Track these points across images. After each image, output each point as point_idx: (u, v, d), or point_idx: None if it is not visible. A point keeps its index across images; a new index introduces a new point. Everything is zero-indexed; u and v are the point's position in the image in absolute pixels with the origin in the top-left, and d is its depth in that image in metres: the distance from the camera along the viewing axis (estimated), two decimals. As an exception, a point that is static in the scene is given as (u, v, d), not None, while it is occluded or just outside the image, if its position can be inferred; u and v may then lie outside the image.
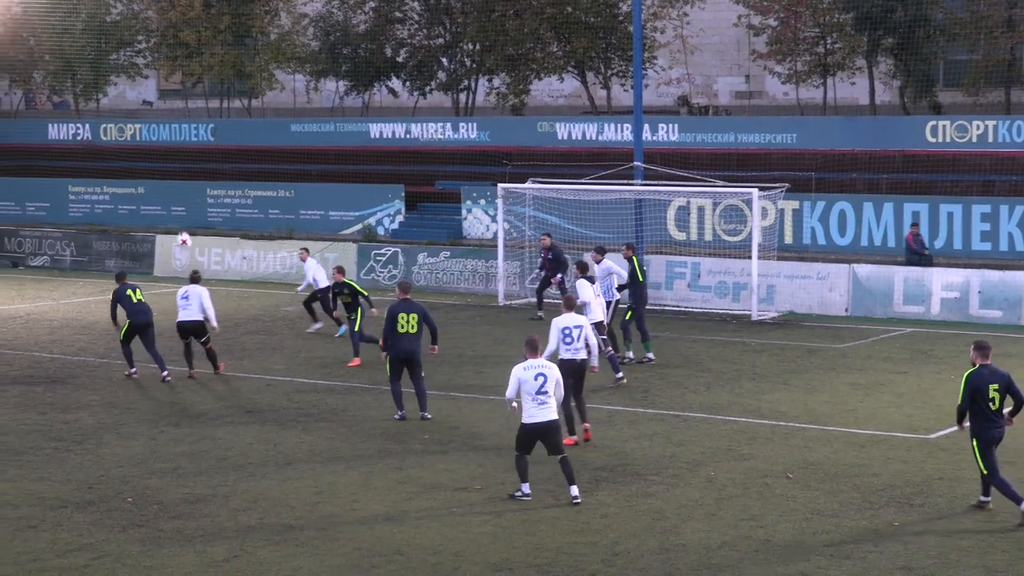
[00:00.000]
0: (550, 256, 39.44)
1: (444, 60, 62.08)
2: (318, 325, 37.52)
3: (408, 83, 62.65)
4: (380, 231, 53.69)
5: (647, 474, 22.85)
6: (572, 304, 25.33)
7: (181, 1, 64.13)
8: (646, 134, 45.85)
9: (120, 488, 22.12)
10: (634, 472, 22.97)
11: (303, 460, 23.92)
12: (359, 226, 54.12)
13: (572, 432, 24.45)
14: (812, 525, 19.92)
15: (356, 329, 32.65)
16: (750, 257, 39.26)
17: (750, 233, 40.20)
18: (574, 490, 20.94)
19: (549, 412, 21.00)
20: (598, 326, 27.82)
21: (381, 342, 27.04)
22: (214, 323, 31.44)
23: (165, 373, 30.77)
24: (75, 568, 18.18)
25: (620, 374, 29.68)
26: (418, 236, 51.16)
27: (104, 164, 63.81)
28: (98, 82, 69.06)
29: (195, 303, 30.87)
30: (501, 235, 43.72)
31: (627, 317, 32.67)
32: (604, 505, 21.00)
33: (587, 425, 24.83)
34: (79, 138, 66.36)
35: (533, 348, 21.43)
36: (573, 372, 24.04)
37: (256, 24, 64.50)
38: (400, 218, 53.93)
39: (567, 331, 24.24)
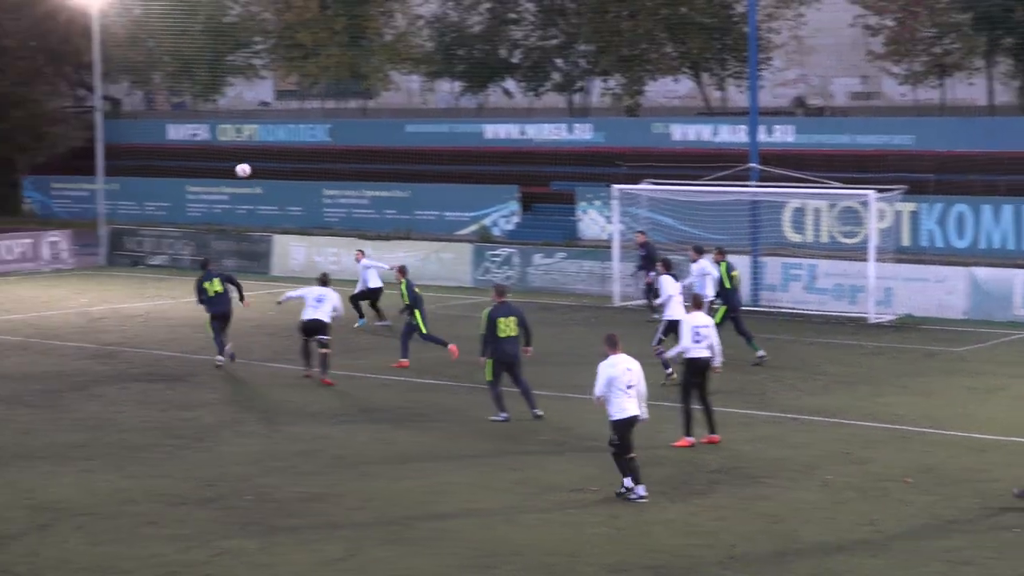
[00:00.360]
0: (643, 253, 39.35)
1: (559, 61, 62.07)
2: (385, 322, 37.76)
3: (523, 84, 62.73)
4: (495, 232, 53.75)
5: (762, 476, 22.70)
6: (700, 303, 25.77)
7: (297, 3, 64.64)
8: (761, 135, 45.57)
9: (238, 486, 22.27)
10: (749, 475, 22.83)
11: (418, 459, 23.97)
12: (474, 227, 54.23)
13: (689, 433, 24.51)
14: (931, 531, 19.70)
15: (424, 332, 32.38)
16: (867, 259, 38.86)
17: (867, 235, 39.80)
18: (641, 490, 21.05)
19: (636, 406, 21.54)
20: (672, 324, 28.45)
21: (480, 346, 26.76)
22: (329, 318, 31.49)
23: (220, 359, 31.48)
24: (195, 564, 18.33)
25: (669, 369, 29.62)
26: (533, 237, 51.15)
27: (222, 164, 64.14)
28: (216, 83, 69.71)
29: (328, 305, 30.98)
30: (617, 236, 43.57)
31: (717, 321, 32.53)
32: (719, 507, 20.88)
33: (717, 438, 24.79)
34: (197, 138, 67.05)
35: (613, 344, 22.07)
36: (700, 370, 24.58)
37: (372, 25, 64.80)
38: (515, 219, 54.02)
39: (697, 330, 24.61)
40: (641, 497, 20.97)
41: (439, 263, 46.85)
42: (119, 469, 23.37)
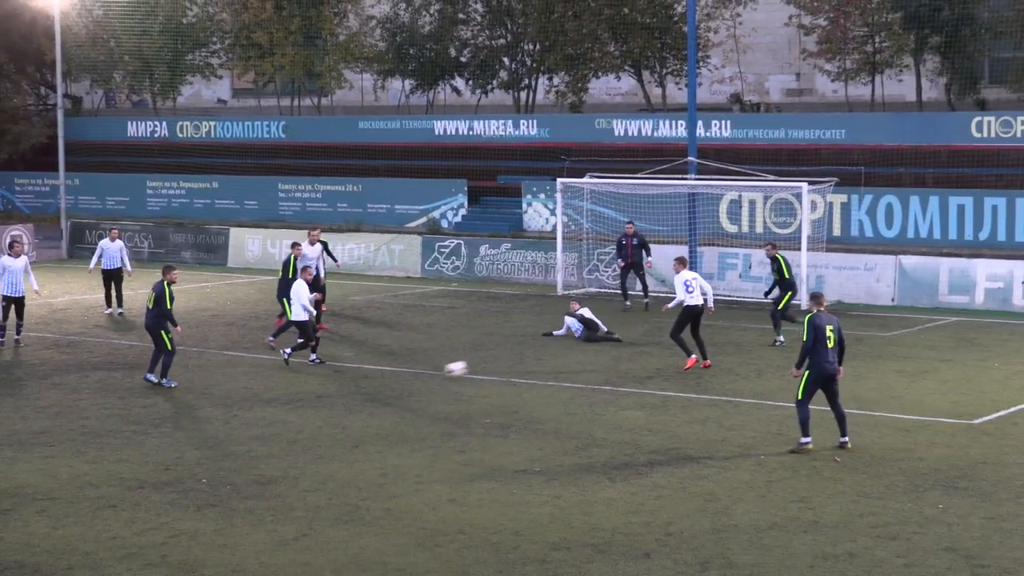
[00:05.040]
0: (635, 242, 39.41)
1: (506, 60, 62.16)
2: None
3: (471, 82, 62.82)
4: (444, 224, 53.84)
5: (700, 457, 22.84)
6: (685, 262, 31.10)
7: (253, 4, 64.47)
8: (700, 130, 45.77)
9: (195, 470, 22.26)
10: (687, 455, 22.96)
11: (370, 443, 24.02)
12: (424, 219, 54.28)
13: (690, 354, 29.89)
14: (859, 507, 19.84)
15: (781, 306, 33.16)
16: (800, 249, 39.10)
17: (800, 226, 40.07)
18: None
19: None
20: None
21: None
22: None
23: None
24: (152, 546, 18.29)
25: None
26: (480, 229, 51.30)
27: (180, 160, 64.24)
28: (175, 82, 69.45)
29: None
30: (560, 228, 43.76)
31: (779, 307, 32.89)
32: (658, 487, 20.98)
33: (708, 363, 30.24)
34: (156, 135, 66.77)
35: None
36: (694, 315, 30.04)
37: (326, 26, 64.70)
38: (463, 211, 54.03)
39: (688, 282, 30.01)
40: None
41: (389, 255, 46.93)
42: (79, 455, 23.34)
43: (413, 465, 22.43)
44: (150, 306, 29.13)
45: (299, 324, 31.12)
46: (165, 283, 29.01)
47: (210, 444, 24.12)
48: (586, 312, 34.80)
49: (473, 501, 20.37)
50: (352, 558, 17.84)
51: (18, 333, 34.23)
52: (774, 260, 34.07)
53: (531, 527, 19.02)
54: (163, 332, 28.77)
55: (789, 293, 33.70)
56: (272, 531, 18.96)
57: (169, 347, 28.87)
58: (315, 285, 34.61)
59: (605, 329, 34.37)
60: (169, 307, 28.97)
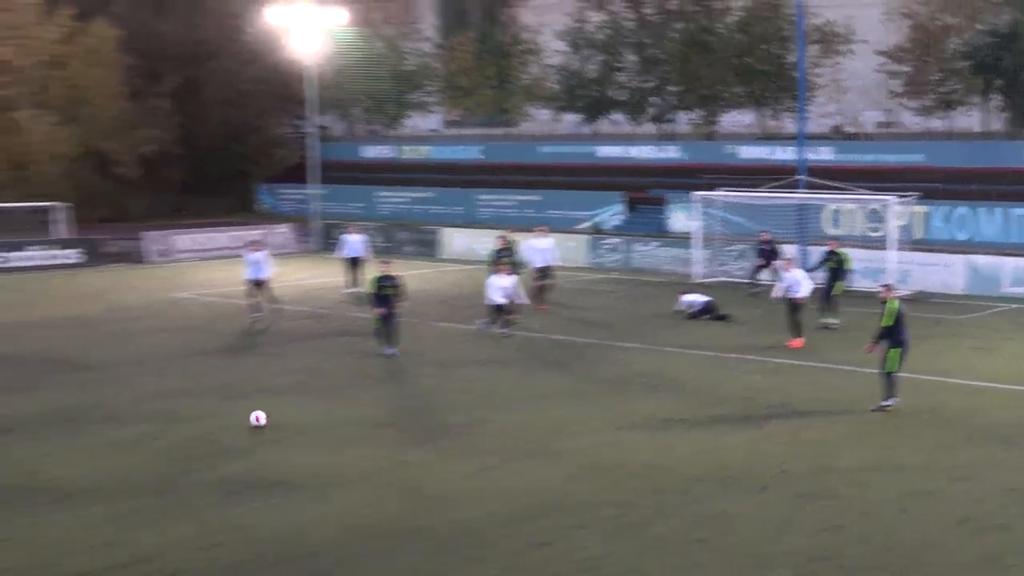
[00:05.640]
0: (768, 248, 38.89)
1: (654, 98, 61.90)
2: None
3: (626, 115, 62.63)
4: (606, 227, 53.74)
5: (807, 412, 22.58)
6: (793, 262, 31.12)
7: (458, 55, 65.12)
8: (808, 155, 45.09)
9: (415, 414, 22.53)
10: (797, 411, 22.73)
11: (549, 396, 24.07)
12: (590, 223, 54.23)
13: (797, 336, 29.18)
14: (936, 455, 19.51)
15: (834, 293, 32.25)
16: (888, 249, 38.41)
17: (888, 231, 39.38)
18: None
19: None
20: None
21: None
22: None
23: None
24: (383, 471, 18.60)
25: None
26: (634, 230, 51.13)
27: (403, 175, 64.91)
28: (399, 115, 70.23)
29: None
30: (696, 230, 43.53)
31: (836, 294, 32.39)
32: (774, 435, 20.81)
33: (803, 342, 29.13)
34: (385, 156, 67.62)
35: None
36: (797, 305, 29.21)
37: (513, 73, 65.08)
38: (621, 216, 53.89)
39: (794, 278, 29.30)
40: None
41: (564, 249, 46.94)
42: (328, 400, 23.77)
43: (582, 414, 22.50)
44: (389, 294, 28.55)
45: (495, 306, 31.18)
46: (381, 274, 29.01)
47: (426, 395, 24.42)
48: (698, 297, 34.65)
49: (629, 443, 20.40)
50: (534, 483, 17.99)
51: (259, 311, 34.31)
52: (834, 254, 33.21)
53: (675, 464, 19.01)
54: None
55: (838, 283, 32.62)
56: (473, 462, 19.18)
57: (374, 325, 28.78)
58: (544, 273, 35.11)
59: (720, 312, 34.04)
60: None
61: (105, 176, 64.93)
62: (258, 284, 33.99)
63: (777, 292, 30.23)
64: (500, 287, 30.82)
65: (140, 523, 16.28)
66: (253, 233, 46.37)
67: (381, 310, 28.43)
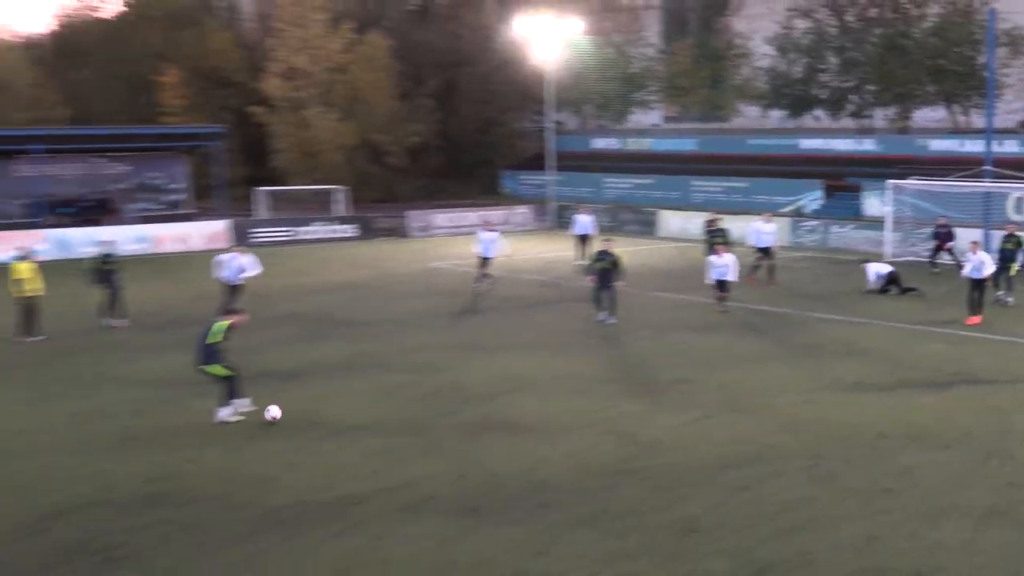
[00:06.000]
0: (945, 231, 37.38)
1: (853, 96, 60.13)
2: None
3: (827, 112, 61.02)
4: (806, 210, 52.54)
5: (989, 380, 21.52)
6: (978, 245, 28.77)
7: (678, 59, 64.47)
8: (994, 147, 43.00)
9: (631, 371, 22.44)
10: (979, 378, 21.69)
11: (749, 359, 23.66)
12: (791, 207, 53.06)
13: (976, 314, 27.58)
14: (1110, 423, 18.37)
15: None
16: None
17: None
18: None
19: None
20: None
21: None
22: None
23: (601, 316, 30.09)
24: (605, 420, 18.55)
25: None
26: (832, 214, 49.85)
27: (627, 164, 64.70)
28: (624, 111, 70.02)
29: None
30: (889, 215, 42.11)
31: (1012, 273, 30.87)
32: (958, 399, 19.90)
33: (979, 319, 27.50)
34: (612, 147, 67.47)
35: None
36: (978, 284, 27.66)
37: (726, 74, 64.10)
38: (820, 202, 52.55)
39: (979, 260, 27.51)
40: None
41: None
42: (556, 357, 23.85)
43: (781, 376, 22.04)
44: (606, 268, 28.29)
45: (714, 283, 30.22)
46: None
47: (643, 355, 24.28)
48: (882, 267, 33.42)
49: (822, 402, 19.88)
50: (737, 435, 17.71)
51: (482, 281, 34.05)
52: (1012, 236, 31.21)
53: (864, 421, 18.43)
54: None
55: (1013, 264, 30.66)
56: (681, 414, 19.01)
57: (592, 294, 28.55)
58: (767, 253, 34.56)
59: (908, 285, 32.80)
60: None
61: (377, 164, 66.79)
62: (485, 260, 34.41)
63: (965, 271, 28.85)
64: (717, 267, 30.27)
65: (400, 456, 16.72)
66: (492, 214, 46.91)
67: (595, 279, 28.32)
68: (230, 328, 18.40)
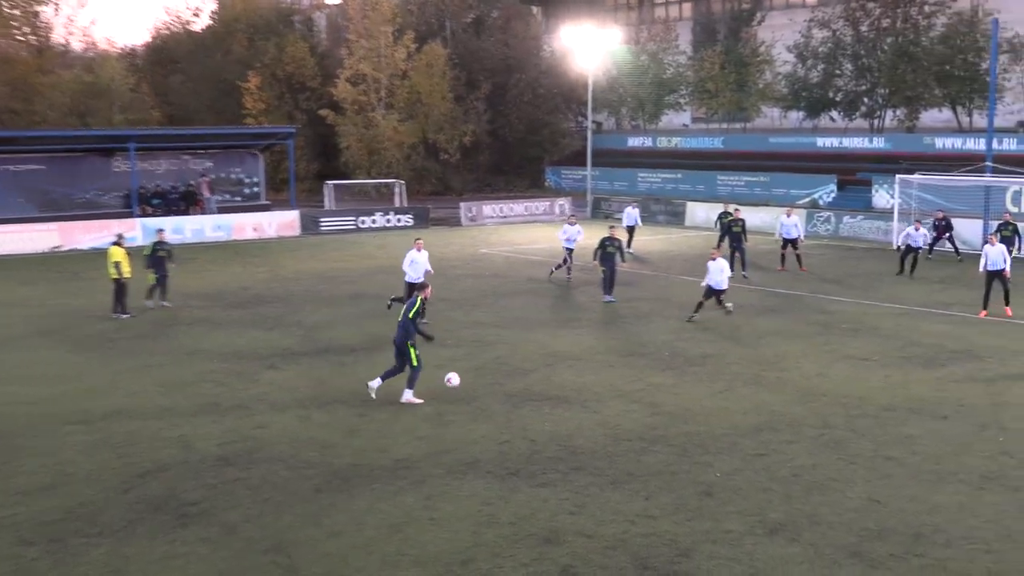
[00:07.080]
0: (943, 223, 36.64)
1: (865, 99, 59.33)
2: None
3: (842, 113, 60.27)
4: (820, 202, 51.91)
5: (985, 356, 21.18)
6: (994, 241, 26.28)
7: (706, 64, 63.94)
8: (995, 145, 42.23)
9: (660, 348, 22.27)
10: (977, 355, 21.35)
11: (768, 335, 23.32)
12: (807, 199, 52.46)
13: (985, 308, 25.70)
14: (1099, 398, 17.93)
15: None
16: (1063, 224, 35.63)
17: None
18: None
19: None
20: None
21: None
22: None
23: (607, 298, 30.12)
24: (634, 391, 18.40)
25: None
26: (844, 206, 49.30)
27: (658, 160, 64.25)
28: (657, 113, 69.51)
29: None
30: (896, 207, 41.45)
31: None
32: (955, 374, 19.55)
33: (1009, 311, 25.70)
34: (645, 145, 67.01)
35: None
36: (993, 275, 25.63)
37: (750, 79, 63.46)
38: (833, 195, 51.94)
39: (991, 255, 25.57)
40: None
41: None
42: (592, 333, 23.66)
43: (794, 351, 21.77)
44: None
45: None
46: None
47: (670, 332, 24.05)
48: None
49: (832, 375, 19.62)
50: (755, 406, 17.51)
51: (561, 266, 33.72)
52: (1008, 224, 30.86)
53: (869, 395, 18.17)
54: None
55: (1012, 248, 30.05)
56: (706, 386, 18.83)
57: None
58: (793, 244, 33.91)
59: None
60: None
61: (434, 160, 66.78)
62: (570, 252, 33.89)
63: (981, 266, 27.75)
64: (711, 272, 26.43)
65: (450, 422, 16.67)
66: (537, 204, 46.50)
67: (603, 265, 28.09)
68: (423, 303, 18.19)
